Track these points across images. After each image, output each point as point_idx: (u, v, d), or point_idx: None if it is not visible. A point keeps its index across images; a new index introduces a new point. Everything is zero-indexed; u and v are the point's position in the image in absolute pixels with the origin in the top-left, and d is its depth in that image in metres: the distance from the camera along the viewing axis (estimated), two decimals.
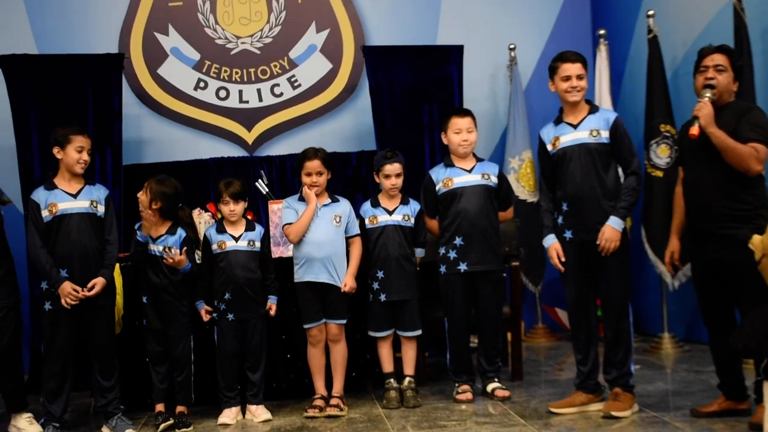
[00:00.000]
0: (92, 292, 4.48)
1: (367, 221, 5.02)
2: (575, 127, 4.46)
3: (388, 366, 4.99)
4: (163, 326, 4.75)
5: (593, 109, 4.51)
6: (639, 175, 4.42)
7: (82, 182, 4.66)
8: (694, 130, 3.98)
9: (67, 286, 4.42)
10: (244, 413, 4.84)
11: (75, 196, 4.59)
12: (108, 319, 4.70)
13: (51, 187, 4.60)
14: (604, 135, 4.39)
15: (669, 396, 4.75)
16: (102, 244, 4.64)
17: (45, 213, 4.53)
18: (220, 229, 4.90)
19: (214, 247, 4.86)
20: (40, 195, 4.57)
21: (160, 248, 4.71)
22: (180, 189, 4.85)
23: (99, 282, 4.51)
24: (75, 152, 4.57)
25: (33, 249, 4.51)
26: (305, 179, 4.88)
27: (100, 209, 4.65)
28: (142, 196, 4.77)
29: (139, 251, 4.72)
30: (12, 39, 6.80)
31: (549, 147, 4.56)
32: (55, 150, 4.60)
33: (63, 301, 4.40)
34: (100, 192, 4.71)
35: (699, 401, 4.40)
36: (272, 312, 4.89)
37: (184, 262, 4.66)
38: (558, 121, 4.56)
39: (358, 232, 5.00)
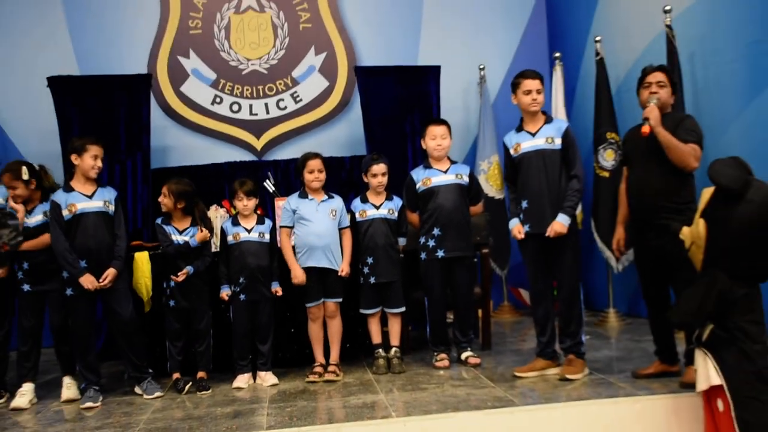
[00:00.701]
0: (106, 282, 4.47)
1: (357, 215, 5.01)
2: (533, 135, 4.46)
3: (377, 338, 5.01)
4: (188, 305, 4.75)
5: (548, 119, 4.52)
6: (580, 177, 4.42)
7: (95, 185, 4.62)
8: (646, 129, 4.00)
9: (88, 277, 4.42)
10: (255, 379, 4.86)
11: (90, 197, 4.55)
12: (125, 299, 4.63)
13: (69, 189, 4.55)
14: (558, 142, 4.41)
15: (614, 361, 4.79)
16: (113, 239, 4.61)
17: (65, 212, 4.49)
18: (235, 223, 4.91)
19: (230, 238, 4.86)
20: (60, 197, 4.53)
21: (187, 239, 4.76)
22: (193, 186, 4.87)
23: (111, 273, 4.48)
24: (91, 159, 4.53)
25: (57, 243, 4.46)
26: (308, 176, 4.86)
27: (111, 208, 4.62)
28: (166, 200, 4.78)
29: (181, 251, 4.73)
30: (57, 59, 6.83)
31: (511, 152, 4.56)
32: (73, 157, 4.56)
33: (87, 286, 4.40)
34: (110, 194, 4.67)
35: (639, 365, 4.44)
36: (278, 294, 4.89)
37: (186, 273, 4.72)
38: (519, 129, 4.56)
39: (349, 224, 5.00)
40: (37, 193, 4.76)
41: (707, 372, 3.39)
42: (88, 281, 4.42)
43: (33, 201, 4.75)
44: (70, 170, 4.73)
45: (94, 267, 4.49)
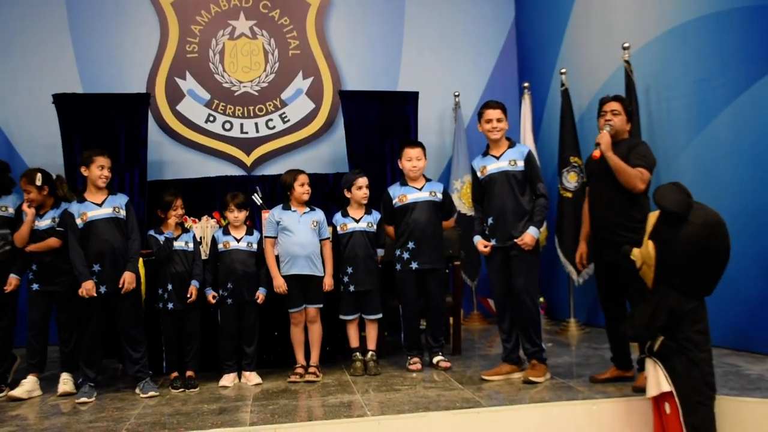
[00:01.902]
0: (126, 286, 4.48)
1: (338, 228, 5.00)
2: (498, 158, 4.49)
3: (354, 342, 4.99)
4: (183, 307, 4.74)
5: (511, 144, 4.55)
6: (546, 196, 4.48)
7: (106, 193, 4.63)
8: (596, 153, 4.06)
9: (87, 285, 4.42)
10: (240, 378, 4.83)
11: (100, 205, 4.57)
12: (134, 302, 4.64)
13: (81, 200, 4.58)
14: (520, 164, 4.44)
15: (573, 367, 4.80)
16: (126, 241, 4.61)
17: (78, 221, 4.51)
18: (226, 232, 4.90)
19: (220, 246, 4.86)
20: (73, 208, 4.56)
21: (182, 243, 4.81)
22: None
23: (127, 276, 4.50)
24: (97, 169, 4.55)
25: (72, 250, 4.49)
26: (300, 189, 4.86)
27: (122, 213, 4.61)
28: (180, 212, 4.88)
29: (167, 247, 4.74)
30: (62, 78, 6.88)
31: (478, 174, 4.58)
32: (82, 169, 4.59)
33: (82, 293, 4.41)
34: (121, 199, 4.67)
35: (596, 370, 4.46)
36: (260, 300, 4.86)
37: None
38: (485, 153, 4.59)
39: (329, 236, 5.00)
40: (50, 199, 4.81)
41: (657, 379, 3.42)
42: (85, 289, 4.42)
43: (45, 206, 4.78)
44: (83, 182, 4.77)
45: (109, 269, 4.49)
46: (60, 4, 7.02)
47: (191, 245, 4.85)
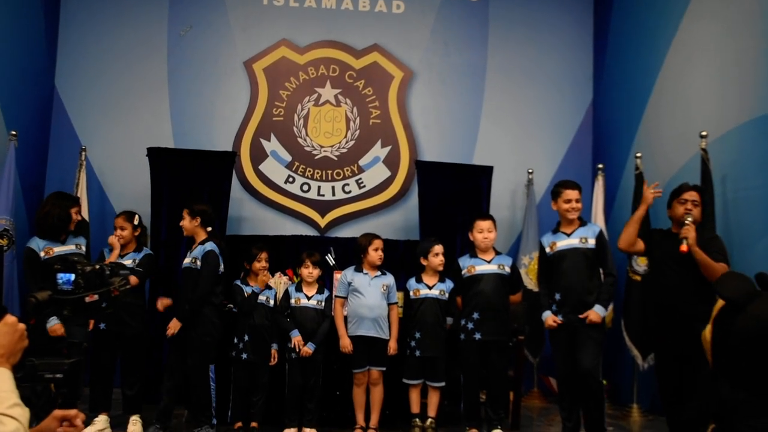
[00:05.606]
0: (168, 332, 4.77)
1: (411, 293, 5.14)
2: (569, 235, 4.63)
3: (415, 408, 5.06)
4: (256, 359, 4.92)
5: (582, 222, 4.71)
6: (614, 275, 4.59)
7: (195, 243, 4.96)
8: (684, 248, 4.12)
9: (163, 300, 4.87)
10: None
11: (188, 253, 4.94)
12: (194, 349, 4.79)
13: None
14: (591, 242, 4.57)
15: None
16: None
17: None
18: (298, 289, 5.12)
19: (292, 301, 5.07)
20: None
21: (264, 298, 5.04)
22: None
23: (171, 324, 4.79)
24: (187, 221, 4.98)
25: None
26: (374, 254, 5.09)
27: (198, 264, 4.86)
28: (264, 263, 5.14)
29: (251, 301, 4.96)
30: (156, 133, 7.23)
31: (547, 250, 4.72)
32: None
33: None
34: (200, 251, 4.91)
35: None
36: (302, 352, 4.93)
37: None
38: (555, 230, 4.74)
39: (397, 301, 5.14)
40: (134, 243, 5.13)
41: None
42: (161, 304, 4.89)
43: (128, 248, 5.09)
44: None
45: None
46: (162, 67, 7.53)
47: (272, 302, 5.07)
